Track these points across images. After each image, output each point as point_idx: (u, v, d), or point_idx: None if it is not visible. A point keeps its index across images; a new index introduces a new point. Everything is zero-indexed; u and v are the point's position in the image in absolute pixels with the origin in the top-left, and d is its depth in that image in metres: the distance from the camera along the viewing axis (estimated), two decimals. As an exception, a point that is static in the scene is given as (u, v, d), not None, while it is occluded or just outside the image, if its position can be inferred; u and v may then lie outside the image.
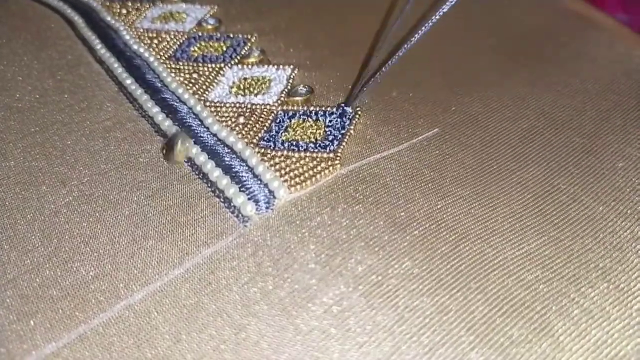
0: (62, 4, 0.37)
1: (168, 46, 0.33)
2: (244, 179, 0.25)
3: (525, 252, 0.22)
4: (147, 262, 0.22)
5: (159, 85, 0.30)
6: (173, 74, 0.31)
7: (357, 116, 0.28)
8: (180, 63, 0.32)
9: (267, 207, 0.23)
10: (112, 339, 0.19)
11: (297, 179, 0.24)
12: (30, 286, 0.21)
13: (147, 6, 0.37)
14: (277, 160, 0.25)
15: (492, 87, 0.31)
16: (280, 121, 0.27)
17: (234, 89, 0.30)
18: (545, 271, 0.21)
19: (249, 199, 0.24)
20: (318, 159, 0.25)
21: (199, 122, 0.28)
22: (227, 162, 0.25)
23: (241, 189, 0.24)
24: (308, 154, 0.26)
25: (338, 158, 0.25)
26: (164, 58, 0.32)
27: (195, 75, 0.31)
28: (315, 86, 0.30)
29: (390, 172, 0.25)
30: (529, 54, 0.34)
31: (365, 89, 0.28)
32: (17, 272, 0.21)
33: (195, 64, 0.32)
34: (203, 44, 0.33)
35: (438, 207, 0.24)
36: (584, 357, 0.19)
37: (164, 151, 0.26)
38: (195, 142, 0.26)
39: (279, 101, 0.29)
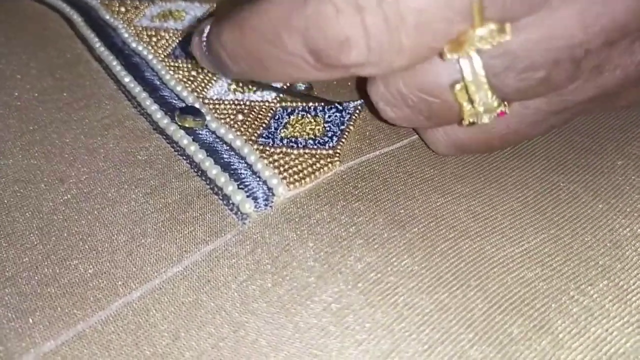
0: (60, 2, 0.37)
1: (167, 44, 0.33)
2: (243, 176, 0.25)
3: (524, 249, 0.22)
4: (146, 260, 0.22)
5: (158, 83, 0.30)
6: (172, 72, 0.31)
7: (357, 112, 0.28)
8: (179, 61, 0.32)
9: (265, 205, 0.23)
10: (111, 336, 0.19)
11: (296, 176, 0.24)
12: (28, 284, 0.21)
13: (146, 4, 0.37)
14: (276, 157, 0.25)
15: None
16: (279, 118, 0.27)
17: (233, 86, 0.30)
18: (545, 269, 0.21)
19: (247, 196, 0.23)
20: (317, 156, 0.25)
21: (198, 120, 0.28)
22: (225, 159, 0.25)
23: (240, 186, 0.24)
24: (307, 150, 0.26)
25: (337, 155, 0.25)
26: (162, 56, 0.32)
27: (194, 73, 0.31)
28: (314, 82, 0.30)
29: (390, 169, 0.25)
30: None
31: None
32: (15, 269, 0.21)
33: (194, 62, 0.31)
34: (202, 41, 0.33)
35: (437, 204, 0.24)
36: (583, 355, 0.19)
37: None
38: (193, 140, 0.26)
39: (278, 98, 0.29)
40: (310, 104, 0.28)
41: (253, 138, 0.26)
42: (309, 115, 0.27)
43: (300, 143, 0.26)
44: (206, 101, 0.29)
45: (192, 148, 0.26)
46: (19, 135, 0.27)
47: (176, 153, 0.26)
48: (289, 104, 0.28)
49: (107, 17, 0.35)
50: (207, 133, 0.27)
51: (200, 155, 0.25)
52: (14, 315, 0.20)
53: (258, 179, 0.24)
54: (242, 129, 0.27)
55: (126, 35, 0.34)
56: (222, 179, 0.24)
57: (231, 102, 0.29)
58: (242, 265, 0.21)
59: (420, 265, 0.21)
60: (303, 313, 0.20)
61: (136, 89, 0.29)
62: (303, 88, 0.29)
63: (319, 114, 0.27)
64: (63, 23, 0.35)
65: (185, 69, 0.31)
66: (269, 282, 0.21)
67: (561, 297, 0.20)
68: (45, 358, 0.19)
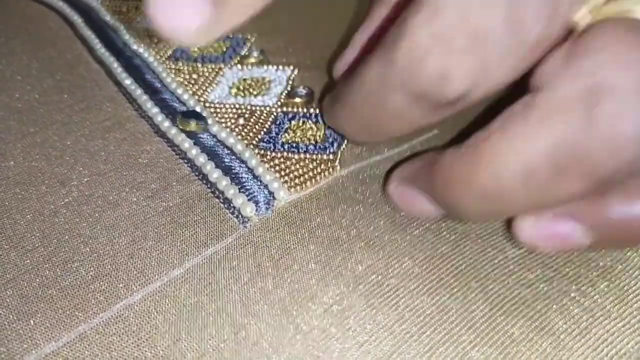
0: (61, 3, 0.37)
1: (167, 46, 0.33)
2: (244, 180, 0.25)
3: (525, 251, 0.22)
4: (147, 263, 0.22)
5: (159, 85, 0.30)
6: (173, 74, 0.31)
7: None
8: (180, 63, 0.32)
9: (267, 208, 0.23)
10: (112, 338, 0.19)
11: (297, 180, 0.24)
12: (30, 286, 0.21)
13: (147, 7, 0.37)
14: (277, 161, 0.25)
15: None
16: (280, 123, 0.27)
17: (234, 90, 0.30)
18: (546, 270, 0.21)
19: (248, 200, 0.23)
20: (318, 161, 0.25)
21: (199, 123, 0.28)
22: (227, 163, 0.25)
23: (241, 190, 0.24)
24: (308, 155, 0.26)
25: (338, 160, 0.25)
26: (163, 58, 0.32)
27: (194, 76, 0.31)
28: (315, 87, 0.30)
29: (390, 173, 0.25)
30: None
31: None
32: (16, 272, 0.21)
33: (194, 64, 0.32)
34: (202, 44, 0.33)
35: (438, 206, 0.24)
36: (584, 356, 0.19)
37: None
38: (195, 143, 0.26)
39: (279, 103, 0.29)
40: (312, 110, 0.28)
41: (254, 142, 0.26)
42: (309, 121, 0.27)
43: (301, 148, 0.26)
44: (207, 104, 0.29)
45: (193, 152, 0.26)
46: (20, 137, 0.27)
47: (177, 156, 0.26)
48: (290, 109, 0.28)
49: (108, 18, 0.35)
50: (208, 137, 0.27)
51: (201, 159, 0.25)
52: (15, 317, 0.20)
53: (259, 183, 0.24)
54: (243, 133, 0.27)
55: (127, 36, 0.34)
56: (223, 182, 0.24)
57: (232, 106, 0.29)
58: (243, 268, 0.21)
59: (421, 267, 0.21)
60: (304, 315, 0.20)
61: (137, 91, 0.29)
62: (304, 94, 0.29)
63: (320, 119, 0.27)
64: (63, 24, 0.35)
65: (186, 72, 0.31)
66: (270, 285, 0.21)
67: (562, 299, 0.20)
68: (46, 359, 0.19)
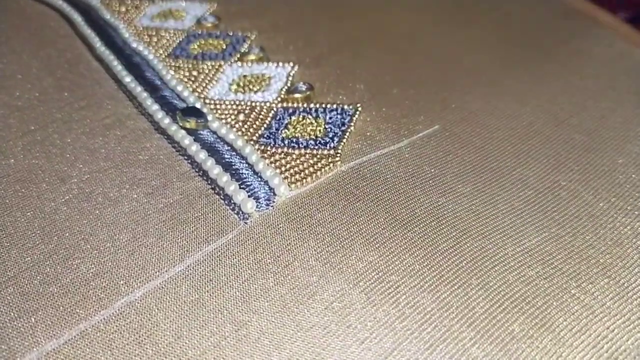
0: (61, 1, 0.37)
1: (167, 44, 0.33)
2: (244, 176, 0.25)
3: (526, 248, 0.22)
4: (148, 260, 0.22)
5: (159, 83, 0.30)
6: (172, 72, 0.31)
7: (358, 113, 0.28)
8: (180, 61, 0.32)
9: (267, 204, 0.23)
10: (113, 335, 0.19)
11: (297, 176, 0.24)
12: (30, 283, 0.21)
13: (146, 4, 0.37)
14: (277, 157, 0.25)
15: (492, 85, 0.31)
16: (280, 118, 0.27)
17: (234, 87, 0.30)
18: (546, 267, 0.21)
19: (249, 196, 0.23)
20: (318, 156, 0.25)
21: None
22: (227, 160, 0.25)
23: (241, 186, 0.24)
24: (308, 151, 0.26)
25: (338, 155, 0.25)
26: (163, 56, 0.32)
27: (194, 73, 0.31)
28: (315, 83, 0.30)
29: (391, 169, 0.25)
30: (529, 51, 0.34)
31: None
32: (17, 269, 0.21)
33: (194, 62, 0.32)
34: (202, 41, 0.33)
35: (439, 203, 0.24)
36: (584, 352, 0.19)
37: None
38: (195, 140, 0.26)
39: (279, 98, 0.29)
40: (312, 105, 0.28)
41: (254, 138, 0.26)
42: (310, 116, 0.27)
43: (302, 143, 0.26)
44: (207, 101, 0.29)
45: (194, 148, 0.26)
46: (20, 135, 0.27)
47: (177, 153, 0.26)
48: (290, 104, 0.28)
49: (108, 16, 0.35)
50: (209, 133, 0.27)
51: (201, 156, 0.25)
52: (16, 314, 0.20)
53: (259, 179, 0.24)
54: (243, 129, 0.27)
55: (126, 34, 0.34)
56: (224, 179, 0.24)
57: (232, 103, 0.29)
58: (244, 265, 0.21)
59: (421, 264, 0.21)
60: (305, 312, 0.20)
61: (137, 89, 0.29)
62: (304, 89, 0.29)
63: (320, 114, 0.27)
64: (63, 23, 0.35)
65: (186, 69, 0.31)
66: (271, 281, 0.21)
67: (562, 295, 0.21)
68: (48, 357, 0.19)
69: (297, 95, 0.29)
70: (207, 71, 0.31)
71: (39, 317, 0.20)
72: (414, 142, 0.27)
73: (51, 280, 0.21)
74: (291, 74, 0.30)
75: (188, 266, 0.21)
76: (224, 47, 0.33)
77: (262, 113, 0.28)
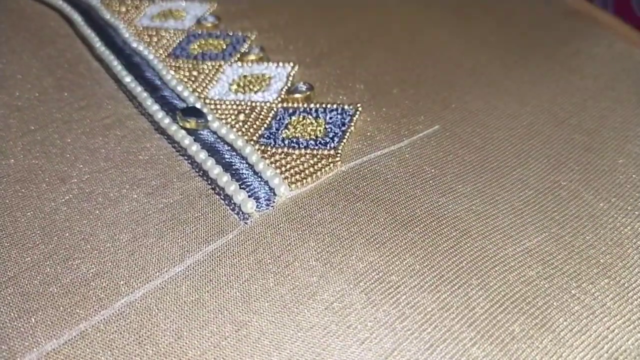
0: (60, 1, 0.37)
1: (167, 44, 0.33)
2: (245, 176, 0.25)
3: (526, 248, 0.22)
4: (148, 260, 0.22)
5: (159, 83, 0.30)
6: (172, 72, 0.31)
7: (358, 113, 0.28)
8: (180, 61, 0.32)
9: (267, 205, 0.23)
10: (113, 336, 0.19)
11: (297, 176, 0.24)
12: (30, 284, 0.21)
13: (146, 4, 0.37)
14: (277, 157, 0.25)
15: (493, 84, 0.31)
16: (280, 118, 0.27)
17: (234, 87, 0.30)
18: (546, 267, 0.21)
19: (249, 196, 0.23)
20: (319, 156, 0.25)
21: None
22: (227, 160, 0.25)
23: (242, 186, 0.24)
24: (309, 151, 0.26)
25: (338, 155, 0.25)
26: (163, 56, 0.32)
27: (195, 73, 0.31)
28: (315, 83, 0.30)
29: (391, 169, 0.25)
30: (529, 51, 0.34)
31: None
32: (17, 269, 0.21)
33: (194, 62, 0.32)
34: (202, 41, 0.33)
35: (439, 203, 0.24)
36: (584, 353, 0.19)
37: None
38: (195, 140, 0.26)
39: (279, 98, 0.29)
40: (312, 105, 0.28)
41: (254, 138, 0.26)
42: (310, 116, 0.27)
43: (302, 143, 0.26)
44: (207, 101, 0.29)
45: (194, 148, 0.26)
46: (20, 135, 0.27)
47: (177, 153, 0.26)
48: (290, 104, 0.28)
49: (108, 16, 0.35)
50: (209, 133, 0.27)
51: (201, 156, 0.25)
52: (16, 314, 0.20)
53: (260, 179, 0.24)
54: (244, 129, 0.27)
55: (126, 34, 0.34)
56: (224, 179, 0.24)
57: (232, 103, 0.29)
58: (244, 265, 0.21)
59: (421, 264, 0.21)
60: (305, 312, 0.20)
61: (137, 89, 0.29)
62: (304, 89, 0.29)
63: (320, 115, 0.27)
64: (63, 23, 0.35)
65: (186, 69, 0.31)
66: (271, 282, 0.21)
67: (562, 296, 0.21)
68: (48, 357, 0.19)
69: (297, 96, 0.29)
70: (207, 71, 0.31)
71: (39, 317, 0.20)
72: (414, 142, 0.27)
73: (51, 280, 0.21)
74: (291, 74, 0.30)
75: (188, 266, 0.21)
76: (224, 47, 0.33)
77: (263, 113, 0.28)
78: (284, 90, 0.29)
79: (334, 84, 0.30)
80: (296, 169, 0.25)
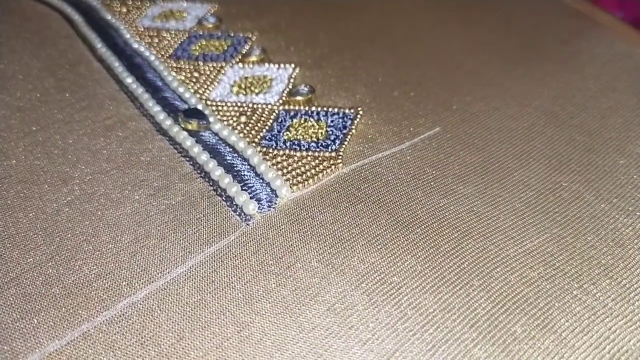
0: (62, 2, 0.37)
1: (169, 45, 0.33)
2: (246, 177, 0.25)
3: (527, 249, 0.22)
4: (150, 261, 0.22)
5: (160, 84, 0.30)
6: (174, 73, 0.31)
7: (359, 116, 0.28)
8: (181, 62, 0.32)
9: (269, 206, 0.23)
10: (115, 336, 0.19)
11: (299, 178, 0.24)
12: (32, 284, 0.21)
13: (148, 4, 0.37)
14: (279, 159, 0.25)
15: (493, 86, 0.31)
16: (282, 120, 0.27)
17: (235, 88, 0.30)
18: (548, 268, 0.21)
19: (251, 197, 0.24)
20: (320, 158, 0.25)
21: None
22: (228, 161, 0.25)
23: (243, 188, 0.24)
24: (310, 153, 0.26)
25: (340, 157, 0.25)
26: (164, 57, 0.32)
27: (196, 74, 0.31)
28: (316, 85, 0.30)
29: (392, 170, 0.25)
30: (529, 52, 0.34)
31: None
32: (19, 270, 0.21)
33: (196, 63, 0.32)
34: (204, 42, 0.33)
35: (440, 205, 0.24)
36: (586, 353, 0.19)
37: None
38: (196, 141, 0.26)
39: (281, 100, 0.29)
40: (313, 107, 0.28)
41: (256, 140, 0.26)
42: (311, 119, 0.27)
43: (303, 146, 0.26)
44: (209, 103, 0.29)
45: (196, 150, 0.26)
46: (22, 136, 0.27)
47: (179, 154, 0.26)
48: (291, 107, 0.28)
49: (109, 17, 0.35)
50: (210, 135, 0.27)
51: (203, 157, 0.25)
52: (18, 315, 0.20)
53: (261, 180, 0.24)
54: (245, 131, 0.27)
55: (128, 35, 0.34)
56: (226, 180, 0.24)
57: (234, 104, 0.29)
58: (246, 266, 0.21)
59: (423, 265, 0.21)
60: (307, 313, 0.20)
61: (138, 90, 0.29)
62: (306, 91, 0.29)
63: (322, 117, 0.27)
64: (64, 23, 0.35)
65: (188, 70, 0.31)
66: (273, 283, 0.21)
67: (564, 296, 0.21)
68: (50, 358, 0.19)
69: (298, 98, 0.29)
70: (208, 72, 0.31)
71: (41, 318, 0.20)
72: (415, 144, 0.27)
73: (53, 281, 0.21)
74: (292, 76, 0.30)
75: (190, 267, 0.21)
76: (225, 48, 0.33)
77: (264, 115, 0.28)
78: (286, 92, 0.29)
79: (335, 85, 0.30)
80: (298, 170, 0.25)
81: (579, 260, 0.22)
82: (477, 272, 0.21)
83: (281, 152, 0.26)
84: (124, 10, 0.36)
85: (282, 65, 0.31)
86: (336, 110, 0.28)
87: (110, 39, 0.34)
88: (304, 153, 0.26)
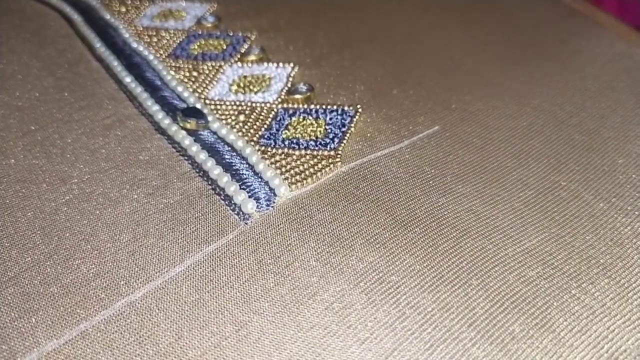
0: (61, 2, 0.37)
1: (168, 44, 0.33)
2: (245, 176, 0.25)
3: (526, 248, 0.22)
4: (148, 260, 0.22)
5: (159, 83, 0.30)
6: (173, 72, 0.31)
7: (358, 114, 0.28)
8: (180, 61, 0.32)
9: (267, 205, 0.23)
10: (114, 336, 0.19)
11: (297, 177, 0.24)
12: (31, 284, 0.21)
13: (147, 4, 0.37)
14: (277, 158, 0.25)
15: (493, 85, 0.31)
16: (280, 119, 0.27)
17: (234, 87, 0.30)
18: (546, 267, 0.21)
19: (249, 196, 0.24)
20: (319, 157, 0.25)
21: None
22: (227, 160, 0.25)
23: (242, 187, 0.24)
24: (309, 151, 0.26)
25: (339, 156, 0.25)
26: (163, 56, 0.32)
27: (195, 73, 0.31)
28: (315, 84, 0.30)
29: (391, 169, 0.25)
30: (529, 52, 0.34)
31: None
32: (18, 269, 0.21)
33: (195, 62, 0.32)
34: (203, 41, 0.33)
35: (439, 204, 0.24)
36: (585, 353, 0.19)
37: None
38: (195, 140, 0.26)
39: (279, 99, 0.29)
40: (312, 106, 0.28)
41: (255, 139, 0.26)
42: (310, 117, 0.27)
43: (302, 144, 0.26)
44: (207, 102, 0.29)
45: (194, 149, 0.26)
46: (20, 135, 0.27)
47: (178, 154, 0.26)
48: (290, 105, 0.28)
49: (108, 16, 0.35)
50: (209, 134, 0.27)
51: (202, 156, 0.25)
52: (16, 314, 0.20)
53: (260, 179, 0.24)
54: (244, 130, 0.27)
55: (127, 35, 0.34)
56: (224, 179, 0.24)
57: (232, 103, 0.29)
58: (245, 265, 0.21)
59: (421, 265, 0.21)
60: (305, 312, 0.20)
61: (137, 89, 0.29)
62: (304, 90, 0.29)
63: (320, 115, 0.27)
64: (63, 23, 0.35)
65: (186, 69, 0.31)
66: (271, 282, 0.21)
67: (563, 296, 0.21)
68: (48, 357, 0.19)
69: (297, 96, 0.29)
70: (207, 72, 0.31)
71: (39, 317, 0.20)
72: (414, 142, 0.27)
73: (52, 280, 0.21)
74: (291, 75, 0.30)
75: (188, 266, 0.21)
76: (224, 47, 0.33)
77: (263, 114, 0.28)
78: (284, 90, 0.29)
79: (334, 84, 0.30)
80: (296, 169, 0.25)
81: (577, 259, 0.22)
82: (475, 271, 0.21)
83: (280, 151, 0.26)
84: (123, 9, 0.36)
85: (281, 65, 0.31)
86: (335, 107, 0.28)
87: (109, 39, 0.34)
88: (303, 152, 0.26)
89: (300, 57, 0.32)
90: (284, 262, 0.21)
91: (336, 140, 0.26)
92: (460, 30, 0.36)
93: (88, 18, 0.35)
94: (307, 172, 0.25)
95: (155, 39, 0.33)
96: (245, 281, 0.21)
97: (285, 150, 0.26)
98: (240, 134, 0.27)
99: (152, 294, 0.20)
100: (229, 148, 0.26)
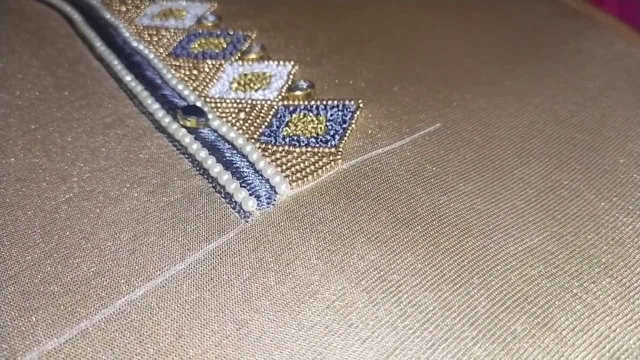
0: (61, 1, 0.37)
1: (168, 43, 0.33)
2: (245, 174, 0.24)
3: (527, 247, 0.22)
4: (149, 258, 0.22)
5: (159, 82, 0.30)
6: (173, 71, 0.31)
7: (359, 109, 0.28)
8: (180, 60, 0.32)
9: (268, 203, 0.23)
10: (114, 334, 0.19)
11: (298, 174, 0.24)
12: (31, 282, 0.21)
13: (147, 3, 0.37)
14: (278, 155, 0.25)
15: (493, 84, 0.31)
16: (281, 116, 0.27)
17: (234, 85, 0.30)
18: (548, 266, 0.21)
19: (250, 194, 0.23)
20: (319, 154, 0.25)
21: (200, 119, 0.28)
22: (228, 158, 0.25)
23: (242, 185, 0.24)
24: (309, 149, 0.26)
25: (339, 153, 0.25)
26: (164, 55, 0.32)
27: (195, 72, 0.31)
28: (315, 82, 0.30)
29: (392, 167, 0.25)
30: (529, 51, 0.34)
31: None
32: (18, 268, 0.21)
33: (195, 61, 0.31)
34: (203, 40, 0.33)
35: (440, 202, 0.24)
36: (586, 352, 0.19)
37: None
38: (195, 138, 0.26)
39: (280, 96, 0.29)
40: (313, 102, 0.28)
41: (255, 136, 0.26)
42: (310, 114, 0.27)
43: (303, 141, 0.26)
44: (207, 100, 0.29)
45: (194, 147, 0.26)
46: (21, 134, 0.27)
47: (178, 152, 0.26)
48: (290, 102, 0.28)
49: (108, 16, 0.35)
50: (209, 132, 0.27)
51: (202, 154, 0.25)
52: (17, 313, 0.20)
53: (260, 177, 0.24)
54: (244, 128, 0.27)
55: (127, 34, 0.34)
56: (225, 177, 0.24)
57: (233, 101, 0.29)
58: (245, 263, 0.21)
59: (423, 263, 0.21)
60: (306, 311, 0.20)
61: (137, 87, 0.29)
62: (305, 86, 0.29)
63: (321, 112, 0.27)
64: (63, 22, 0.35)
65: (187, 68, 0.31)
66: (272, 280, 0.21)
67: (564, 295, 0.20)
68: (48, 356, 0.19)
69: (297, 93, 0.29)
70: (207, 70, 0.31)
71: (39, 316, 0.20)
72: (415, 140, 0.27)
73: (52, 279, 0.21)
74: (292, 73, 0.30)
75: (189, 265, 0.21)
76: (225, 46, 0.33)
77: (263, 111, 0.28)
78: (285, 88, 0.29)
79: (334, 82, 0.30)
80: (297, 167, 0.25)
81: (579, 258, 0.22)
82: (477, 270, 0.21)
83: (280, 148, 0.26)
84: (123, 9, 0.36)
85: (281, 62, 0.31)
86: (336, 102, 0.28)
87: (110, 38, 0.34)
88: (304, 149, 0.26)
89: (300, 55, 0.32)
90: (285, 260, 0.21)
91: (337, 137, 0.26)
92: (460, 30, 0.36)
93: (88, 17, 0.35)
94: (307, 170, 0.24)
95: (155, 38, 0.33)
96: (246, 279, 0.21)
97: (286, 147, 0.26)
98: (240, 131, 0.27)
99: (152, 293, 0.20)
100: (230, 146, 0.26)
